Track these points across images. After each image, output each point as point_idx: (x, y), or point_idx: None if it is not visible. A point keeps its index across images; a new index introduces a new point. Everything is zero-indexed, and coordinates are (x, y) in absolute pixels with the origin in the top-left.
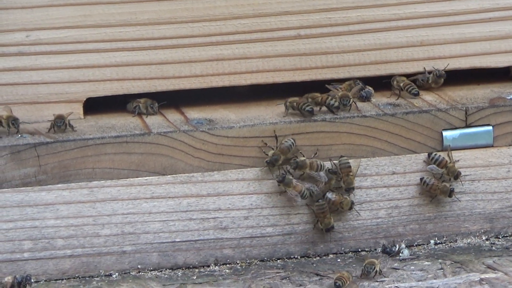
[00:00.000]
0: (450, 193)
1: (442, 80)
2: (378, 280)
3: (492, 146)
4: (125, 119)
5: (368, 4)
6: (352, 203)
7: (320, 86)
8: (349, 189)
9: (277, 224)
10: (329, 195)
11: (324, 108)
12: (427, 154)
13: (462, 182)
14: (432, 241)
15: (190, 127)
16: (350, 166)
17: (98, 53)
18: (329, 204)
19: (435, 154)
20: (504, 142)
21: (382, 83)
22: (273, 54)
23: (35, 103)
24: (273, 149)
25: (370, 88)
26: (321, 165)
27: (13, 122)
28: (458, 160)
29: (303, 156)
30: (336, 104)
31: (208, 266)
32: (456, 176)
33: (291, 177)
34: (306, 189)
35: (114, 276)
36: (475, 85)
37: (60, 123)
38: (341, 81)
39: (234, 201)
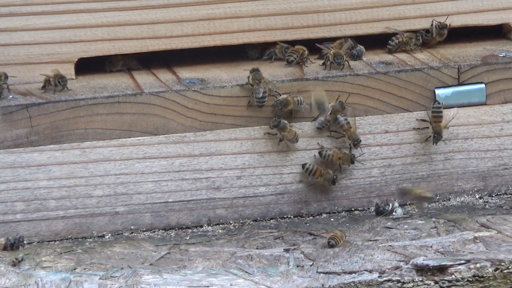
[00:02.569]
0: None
1: (446, 31)
2: (372, 239)
3: (485, 104)
4: (117, 79)
5: None
6: (353, 156)
7: (312, 45)
8: (356, 143)
9: (270, 184)
10: (326, 151)
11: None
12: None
13: (448, 141)
14: None
15: (182, 86)
16: (349, 123)
17: (90, 13)
18: (328, 160)
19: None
20: (497, 99)
21: (374, 41)
22: (265, 13)
23: (26, 64)
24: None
25: (361, 46)
26: (302, 100)
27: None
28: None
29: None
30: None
31: (201, 226)
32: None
33: (286, 121)
34: (298, 133)
35: (107, 237)
36: (467, 43)
37: (63, 82)
38: (332, 40)
39: (227, 160)
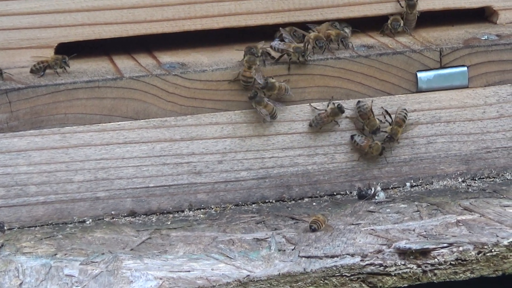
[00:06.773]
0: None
1: (414, 2)
2: (354, 223)
3: (467, 87)
4: (96, 64)
5: None
6: (383, 148)
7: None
8: (375, 131)
9: (251, 168)
10: (357, 138)
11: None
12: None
13: (438, 124)
14: (408, 184)
15: (163, 71)
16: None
17: None
18: (357, 147)
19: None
20: (479, 82)
21: (355, 25)
22: None
23: (6, 49)
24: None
25: (347, 31)
26: (288, 88)
27: None
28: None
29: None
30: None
31: (183, 211)
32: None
33: (263, 96)
34: (276, 109)
35: (87, 222)
36: (449, 26)
37: (67, 62)
38: (315, 23)
39: (208, 145)
